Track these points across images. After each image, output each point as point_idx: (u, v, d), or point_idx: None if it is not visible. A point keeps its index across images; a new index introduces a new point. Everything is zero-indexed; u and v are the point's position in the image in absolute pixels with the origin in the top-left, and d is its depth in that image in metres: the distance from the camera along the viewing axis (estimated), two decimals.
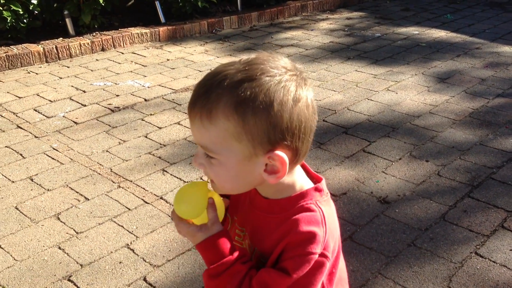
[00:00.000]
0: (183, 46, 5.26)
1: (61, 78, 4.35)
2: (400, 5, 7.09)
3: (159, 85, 4.20)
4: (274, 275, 0.95)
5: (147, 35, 5.30)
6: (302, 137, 0.94)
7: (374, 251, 2.31)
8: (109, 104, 3.84)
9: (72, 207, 2.62)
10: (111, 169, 2.97)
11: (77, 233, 2.43)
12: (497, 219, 2.53)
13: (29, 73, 4.47)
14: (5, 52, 4.51)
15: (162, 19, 5.63)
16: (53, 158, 3.08)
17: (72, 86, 4.18)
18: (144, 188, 2.78)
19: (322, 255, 0.96)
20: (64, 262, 2.24)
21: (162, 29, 5.39)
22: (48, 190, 2.77)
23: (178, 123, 3.53)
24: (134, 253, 2.30)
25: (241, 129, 0.90)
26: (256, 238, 1.05)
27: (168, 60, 4.83)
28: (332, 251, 1.00)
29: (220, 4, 6.22)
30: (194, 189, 1.05)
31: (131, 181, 2.85)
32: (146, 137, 3.35)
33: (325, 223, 0.98)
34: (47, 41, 4.84)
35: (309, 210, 0.98)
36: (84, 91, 4.07)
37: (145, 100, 3.92)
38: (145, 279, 2.15)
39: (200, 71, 4.52)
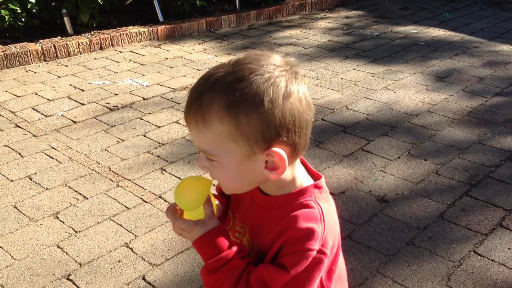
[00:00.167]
0: (182, 45, 5.26)
1: (59, 77, 4.35)
2: (398, 4, 7.10)
3: (158, 84, 4.20)
4: (272, 271, 0.96)
5: (145, 34, 5.30)
6: (298, 131, 0.95)
7: (372, 250, 2.31)
8: (107, 103, 3.84)
9: (70, 206, 2.62)
10: (110, 168, 2.96)
11: (76, 232, 2.43)
12: (495, 218, 2.53)
13: (27, 72, 4.46)
14: (3, 51, 4.50)
15: (161, 18, 5.63)
16: (51, 157, 3.08)
17: (70, 85, 4.18)
18: (142, 187, 2.78)
19: (320, 251, 0.97)
20: (63, 261, 2.24)
21: (160, 28, 5.39)
22: (46, 189, 2.76)
23: (177, 122, 3.53)
24: (133, 252, 2.30)
25: (236, 130, 0.92)
26: (255, 234, 1.05)
27: (166, 59, 4.82)
28: (331, 248, 1.01)
29: (218, 3, 6.22)
30: (199, 183, 1.06)
31: (130, 180, 2.84)
32: (144, 136, 3.35)
33: (324, 220, 0.98)
34: (45, 40, 4.84)
35: (308, 206, 0.99)
36: (83, 90, 4.07)
37: (144, 99, 3.91)
38: (144, 278, 2.15)
39: (199, 70, 4.51)
